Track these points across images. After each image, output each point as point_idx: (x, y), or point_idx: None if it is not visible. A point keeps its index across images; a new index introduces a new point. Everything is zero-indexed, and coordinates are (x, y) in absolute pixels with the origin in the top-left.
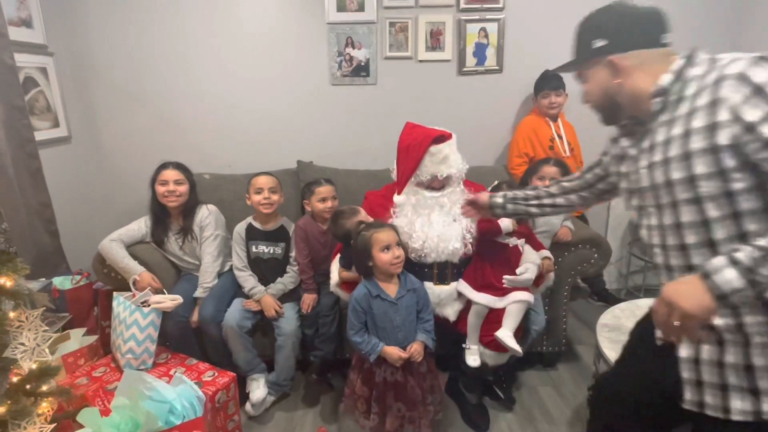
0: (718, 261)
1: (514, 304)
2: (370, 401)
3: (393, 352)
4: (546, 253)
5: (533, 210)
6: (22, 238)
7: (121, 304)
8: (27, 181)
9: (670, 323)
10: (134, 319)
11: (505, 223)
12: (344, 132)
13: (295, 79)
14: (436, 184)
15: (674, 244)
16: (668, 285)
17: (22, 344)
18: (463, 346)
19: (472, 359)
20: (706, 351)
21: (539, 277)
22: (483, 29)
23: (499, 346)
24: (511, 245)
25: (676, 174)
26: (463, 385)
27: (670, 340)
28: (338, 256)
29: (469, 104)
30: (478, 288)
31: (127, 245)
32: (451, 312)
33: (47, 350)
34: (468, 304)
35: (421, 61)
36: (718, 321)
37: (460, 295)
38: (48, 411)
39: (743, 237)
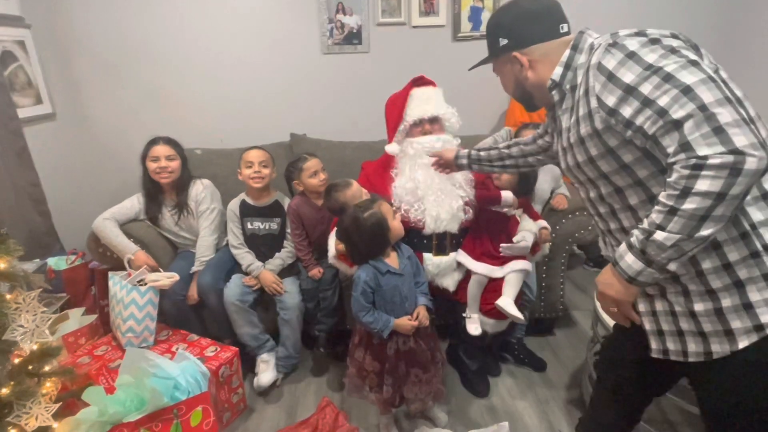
0: (621, 248)
1: (512, 273)
2: (383, 375)
3: (404, 323)
4: (543, 223)
5: (496, 170)
6: (12, 219)
7: (117, 284)
8: (13, 160)
9: (609, 310)
10: (132, 299)
11: (507, 195)
12: (338, 103)
13: (285, 49)
14: (426, 128)
15: (605, 212)
16: (597, 276)
17: (21, 326)
18: (464, 315)
19: (474, 328)
20: (659, 303)
21: (535, 246)
22: None
23: (499, 315)
24: (509, 214)
25: (579, 157)
26: (463, 353)
27: (617, 321)
28: (335, 229)
29: (464, 72)
30: (477, 257)
31: (121, 223)
32: (450, 282)
33: (47, 331)
34: (467, 274)
35: (414, 26)
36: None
37: (459, 265)
38: (52, 391)
39: (653, 199)
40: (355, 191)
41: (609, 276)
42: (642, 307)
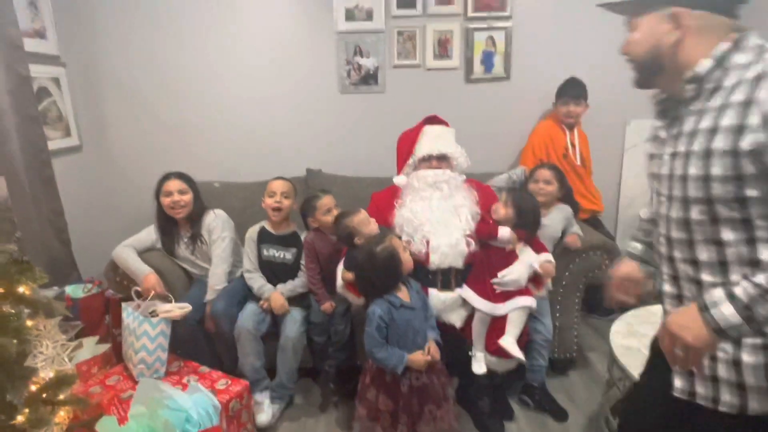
0: (718, 294)
1: (515, 310)
2: (397, 414)
3: (418, 358)
4: (546, 256)
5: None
6: (34, 246)
7: (130, 315)
8: (40, 189)
9: (674, 353)
10: (143, 330)
11: (503, 231)
12: (353, 140)
13: (304, 88)
14: (434, 164)
15: (680, 238)
16: (671, 316)
17: (41, 353)
18: (469, 353)
19: (478, 366)
20: None
21: (539, 280)
22: (490, 37)
23: (504, 353)
24: (507, 249)
25: (693, 169)
26: (474, 393)
27: (678, 367)
28: (343, 259)
29: (477, 112)
30: (481, 294)
31: (139, 252)
32: (456, 318)
33: (66, 359)
34: (473, 310)
35: (429, 69)
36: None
37: (464, 301)
38: (64, 420)
39: (750, 242)
40: (363, 218)
41: (690, 319)
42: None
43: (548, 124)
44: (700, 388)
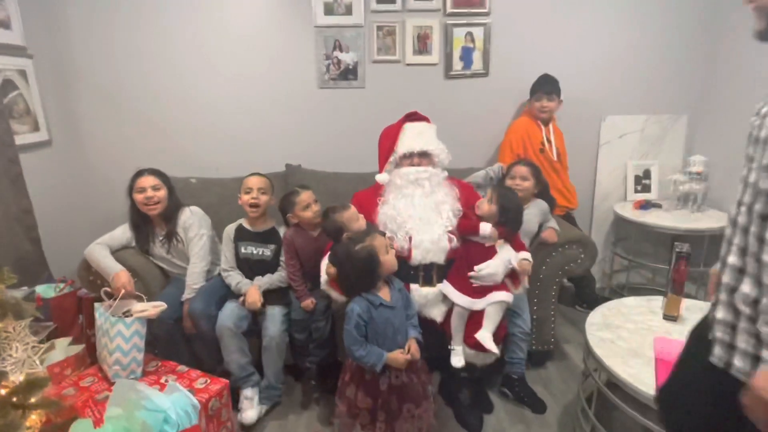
0: None
1: (492, 305)
2: (375, 412)
3: (397, 357)
4: (524, 254)
5: None
6: (2, 245)
7: (102, 315)
8: (7, 186)
9: (761, 419)
10: (117, 330)
11: (484, 227)
12: (332, 135)
13: (283, 83)
14: (415, 161)
15: (763, 212)
16: (756, 378)
17: (11, 356)
18: (449, 347)
19: (456, 360)
20: (744, 320)
21: (516, 277)
22: (469, 33)
23: (483, 347)
24: (486, 245)
25: None
26: (454, 386)
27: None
28: (328, 253)
29: (456, 107)
30: (460, 289)
31: (114, 250)
32: (437, 313)
33: (38, 361)
34: (453, 305)
35: (408, 64)
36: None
37: (445, 296)
38: (36, 424)
39: None
40: (352, 214)
41: None
42: (721, 314)
43: (524, 120)
44: (739, 362)
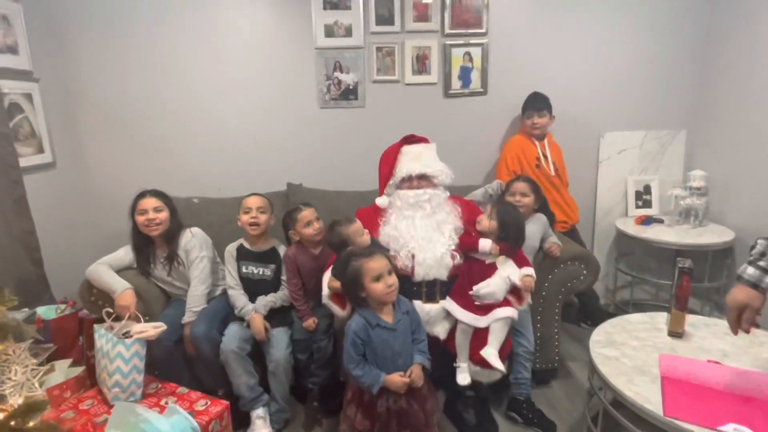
0: None
1: (496, 321)
2: None
3: (396, 380)
4: (527, 270)
5: None
6: (3, 266)
7: (102, 336)
8: (10, 208)
9: None
10: (117, 352)
11: (484, 243)
12: (333, 154)
13: (284, 103)
14: (414, 184)
15: None
16: (732, 291)
17: (10, 378)
18: (454, 365)
19: (462, 377)
20: None
21: (520, 294)
22: (467, 53)
23: (488, 364)
24: (487, 262)
25: None
26: (461, 406)
27: None
28: (331, 267)
29: (455, 126)
30: (464, 306)
31: (115, 270)
32: (441, 330)
33: (37, 384)
34: (457, 322)
35: (408, 84)
36: None
37: (448, 313)
38: None
39: None
40: (357, 228)
41: None
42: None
43: (519, 138)
44: None
